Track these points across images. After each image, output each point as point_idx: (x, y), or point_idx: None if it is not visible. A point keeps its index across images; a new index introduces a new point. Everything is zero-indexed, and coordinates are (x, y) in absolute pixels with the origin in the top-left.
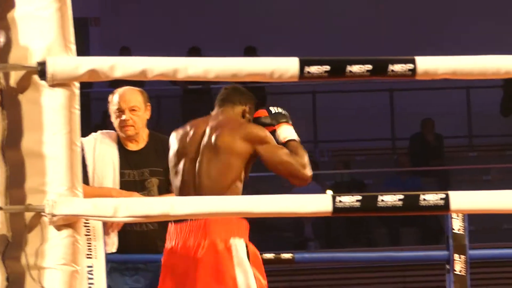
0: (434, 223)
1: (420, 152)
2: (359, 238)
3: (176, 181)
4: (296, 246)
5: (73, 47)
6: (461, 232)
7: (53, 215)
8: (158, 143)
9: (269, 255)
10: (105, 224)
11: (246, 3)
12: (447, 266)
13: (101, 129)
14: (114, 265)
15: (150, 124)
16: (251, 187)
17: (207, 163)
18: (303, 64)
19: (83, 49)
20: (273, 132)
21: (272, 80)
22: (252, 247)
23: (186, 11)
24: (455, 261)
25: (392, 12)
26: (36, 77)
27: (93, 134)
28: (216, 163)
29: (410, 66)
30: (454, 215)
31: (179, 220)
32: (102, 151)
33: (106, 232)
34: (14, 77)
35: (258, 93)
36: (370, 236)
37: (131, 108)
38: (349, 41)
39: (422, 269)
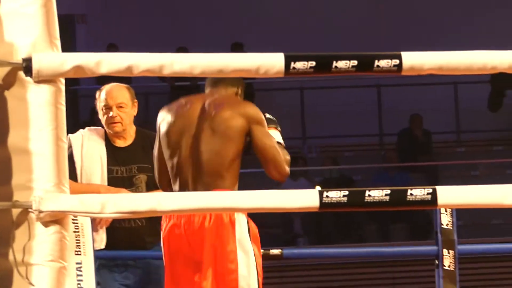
0: (424, 219)
1: (408, 148)
2: (349, 235)
3: (175, 157)
4: (285, 242)
5: (59, 43)
6: (450, 227)
7: (40, 212)
8: (145, 140)
9: None
10: (93, 221)
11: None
12: (436, 261)
13: (89, 126)
14: (102, 261)
15: (138, 121)
16: (239, 183)
17: (208, 138)
18: (289, 60)
19: (69, 46)
20: None
21: (258, 76)
22: (252, 224)
23: (173, 8)
24: (444, 256)
25: (379, 10)
26: (21, 74)
27: (80, 130)
28: (217, 139)
29: (396, 61)
30: (442, 210)
31: None
32: (90, 147)
33: (94, 229)
34: (0, 73)
35: (246, 89)
36: (360, 232)
37: (119, 105)
38: (333, 37)
39: (411, 265)
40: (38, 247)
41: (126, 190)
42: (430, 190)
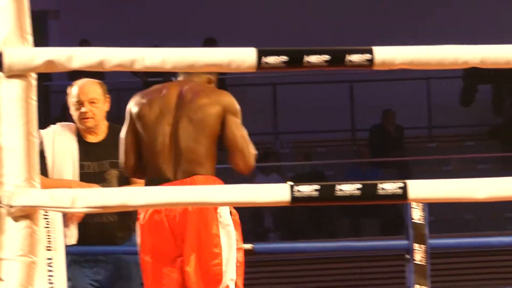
0: (396, 213)
1: (381, 143)
2: (320, 230)
3: (152, 144)
4: (256, 237)
5: (30, 37)
6: (421, 222)
7: (11, 206)
8: (117, 135)
9: None
10: (64, 216)
11: None
12: (407, 256)
13: (61, 122)
14: (74, 257)
15: (110, 116)
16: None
17: (186, 125)
18: (260, 54)
19: (42, 42)
20: None
21: (230, 70)
22: (233, 209)
23: (146, 3)
24: (415, 250)
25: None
26: None
27: (52, 126)
28: (195, 126)
29: (368, 56)
30: (414, 204)
31: (161, 182)
32: (61, 143)
33: (65, 224)
34: None
35: (219, 84)
36: (332, 227)
37: (91, 100)
38: (308, 32)
39: (383, 260)
40: (8, 242)
41: (98, 186)
42: (401, 184)
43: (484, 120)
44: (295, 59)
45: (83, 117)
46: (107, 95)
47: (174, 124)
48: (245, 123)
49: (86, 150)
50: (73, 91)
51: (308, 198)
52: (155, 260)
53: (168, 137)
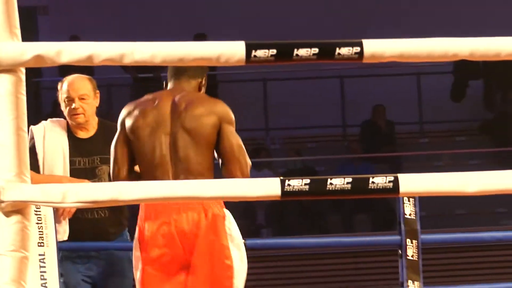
0: (387, 209)
1: (372, 139)
2: (312, 226)
3: (150, 155)
4: (248, 233)
5: (19, 32)
6: (413, 217)
7: (1, 201)
8: (108, 131)
9: None
10: (56, 212)
11: None
12: (400, 251)
13: (52, 118)
14: (65, 253)
15: (101, 112)
16: None
17: (184, 136)
18: (249, 48)
19: (32, 38)
20: None
21: (219, 64)
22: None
23: None
24: (407, 246)
25: None
26: None
27: (43, 122)
28: (192, 136)
29: (357, 49)
30: (405, 200)
31: None
32: (52, 139)
33: (57, 220)
34: None
35: (209, 81)
36: (323, 223)
37: (81, 97)
38: (298, 26)
39: (375, 255)
40: None
41: (89, 181)
42: (392, 178)
43: (475, 115)
44: (284, 53)
45: (73, 113)
46: (97, 91)
47: (171, 135)
48: (236, 119)
49: (77, 146)
50: (63, 87)
51: (299, 192)
52: (161, 271)
53: (166, 148)
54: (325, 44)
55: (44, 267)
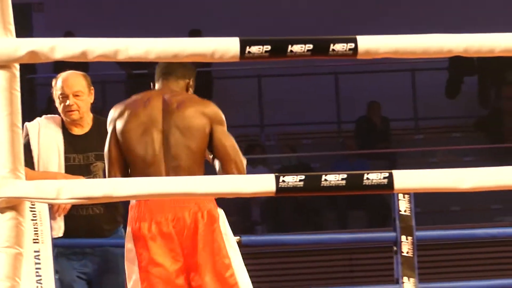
0: (382, 205)
1: (367, 135)
2: (308, 222)
3: (143, 157)
4: (243, 230)
5: (13, 28)
6: (408, 213)
7: None
8: (102, 127)
9: None
10: (51, 209)
11: None
12: (395, 248)
13: (46, 115)
14: (61, 249)
15: (95, 109)
16: None
17: (176, 135)
18: (244, 44)
19: (27, 35)
20: None
21: (214, 60)
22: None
23: None
24: (402, 242)
25: None
26: None
27: (37, 119)
28: (184, 136)
29: (351, 45)
30: (400, 196)
31: None
32: (47, 135)
33: (52, 217)
34: None
35: (204, 77)
36: (319, 220)
37: (75, 93)
38: (293, 22)
39: (370, 252)
40: None
41: (84, 178)
42: (387, 174)
43: (470, 112)
44: (279, 49)
45: (68, 110)
46: (92, 87)
47: (163, 133)
48: (231, 115)
49: (72, 143)
50: (58, 83)
51: (293, 189)
52: (160, 270)
53: (158, 146)
54: (319, 40)
55: (39, 263)
